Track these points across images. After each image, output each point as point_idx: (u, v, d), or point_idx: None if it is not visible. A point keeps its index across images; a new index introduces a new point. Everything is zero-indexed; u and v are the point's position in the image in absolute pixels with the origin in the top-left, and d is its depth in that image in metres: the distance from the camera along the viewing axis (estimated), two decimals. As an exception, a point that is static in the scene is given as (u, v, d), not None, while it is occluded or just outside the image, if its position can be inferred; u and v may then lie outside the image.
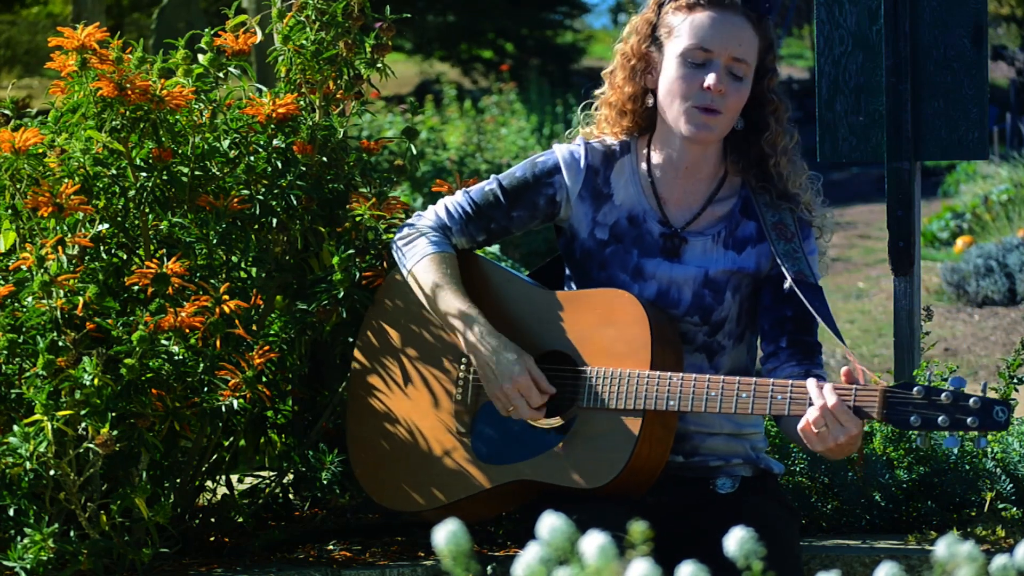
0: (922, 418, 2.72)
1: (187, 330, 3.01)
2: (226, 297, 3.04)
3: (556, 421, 3.00)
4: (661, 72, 3.05)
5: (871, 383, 2.79)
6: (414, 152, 3.54)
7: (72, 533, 2.98)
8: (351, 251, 3.24)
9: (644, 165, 3.12)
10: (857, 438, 2.78)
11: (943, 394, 2.71)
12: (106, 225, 3.19)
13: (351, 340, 3.30)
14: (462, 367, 3.12)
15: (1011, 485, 3.46)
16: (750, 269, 3.07)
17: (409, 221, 3.22)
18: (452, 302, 3.07)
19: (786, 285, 3.00)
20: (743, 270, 3.07)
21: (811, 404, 2.77)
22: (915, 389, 2.73)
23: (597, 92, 3.19)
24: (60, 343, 2.93)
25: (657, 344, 2.93)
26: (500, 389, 3.00)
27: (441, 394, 3.15)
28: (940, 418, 2.71)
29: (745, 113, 3.07)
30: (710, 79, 2.98)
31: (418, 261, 3.13)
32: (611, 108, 3.13)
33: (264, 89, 3.34)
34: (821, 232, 3.13)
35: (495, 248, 3.56)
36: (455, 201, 3.18)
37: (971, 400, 2.70)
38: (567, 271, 3.19)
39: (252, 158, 3.28)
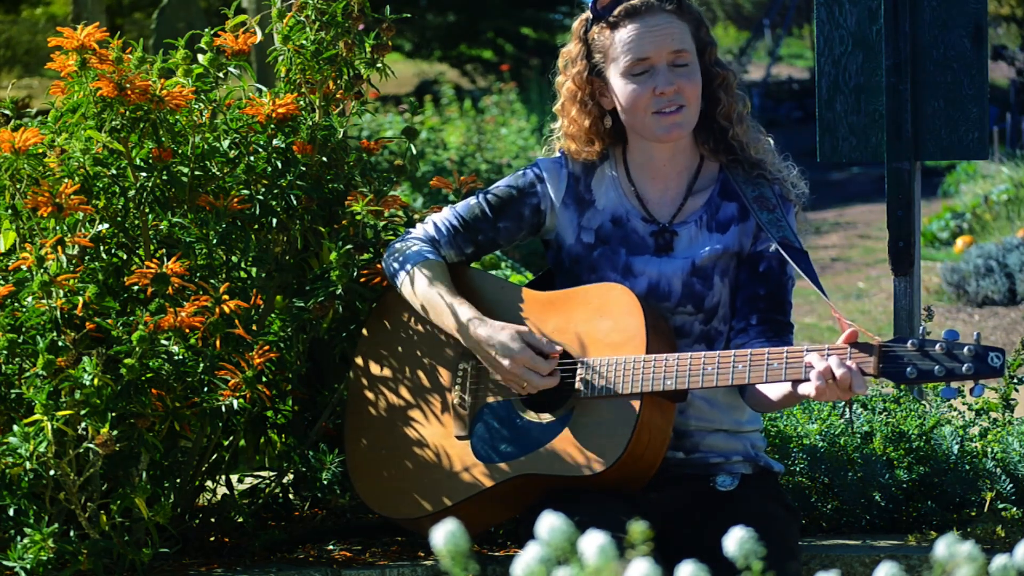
0: (918, 370, 2.74)
1: (187, 330, 3.01)
2: (226, 297, 3.04)
3: (547, 417, 3.01)
4: (613, 94, 3.10)
5: (866, 340, 2.80)
6: (414, 152, 3.55)
7: (72, 533, 2.98)
8: (349, 247, 3.24)
9: (623, 168, 3.16)
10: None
11: (937, 344, 2.73)
12: (106, 225, 3.20)
13: (350, 338, 3.30)
14: (459, 370, 3.13)
15: (1011, 485, 3.46)
16: (733, 248, 3.10)
17: (398, 238, 3.25)
18: (444, 304, 3.09)
19: (772, 248, 3.03)
20: (728, 250, 3.10)
21: (810, 368, 2.79)
22: (909, 343, 2.75)
23: (554, 126, 3.22)
24: (60, 343, 2.93)
25: (652, 331, 2.96)
26: (507, 372, 3.01)
27: (440, 398, 3.15)
28: (936, 368, 2.72)
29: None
30: (660, 84, 3.03)
31: (409, 270, 3.15)
32: (576, 140, 3.17)
33: (264, 89, 3.34)
34: (799, 207, 3.15)
35: (496, 251, 3.56)
36: (443, 217, 3.23)
37: (965, 348, 2.71)
38: (559, 283, 3.21)
39: (252, 158, 3.28)
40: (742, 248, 3.11)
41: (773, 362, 2.84)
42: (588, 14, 3.13)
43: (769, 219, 3.06)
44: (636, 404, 2.92)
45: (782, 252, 3.00)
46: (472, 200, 3.22)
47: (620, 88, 3.08)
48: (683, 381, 2.90)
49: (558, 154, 3.21)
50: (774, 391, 2.94)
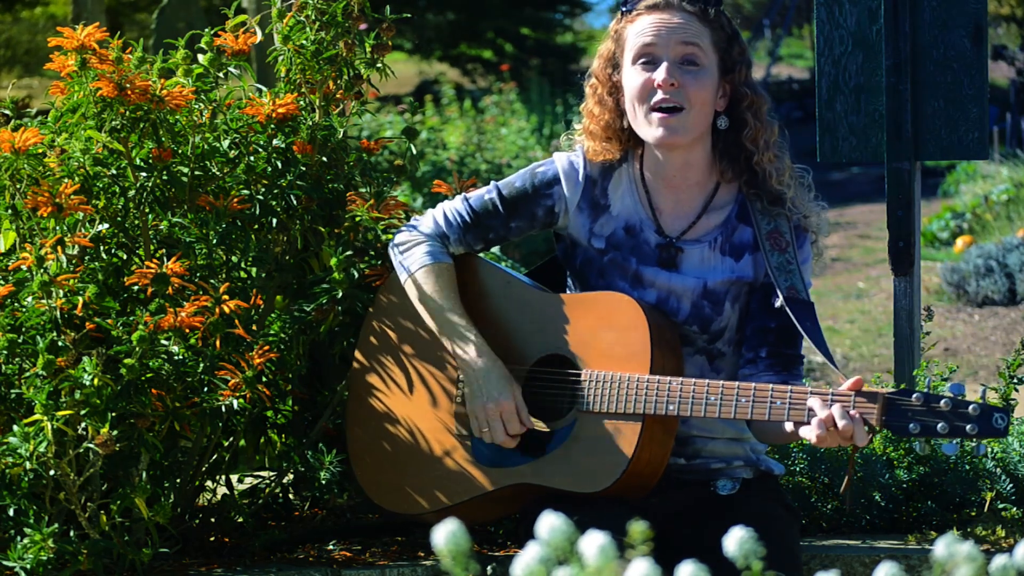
0: (921, 425, 2.72)
1: (187, 330, 3.01)
2: (226, 297, 3.04)
3: (542, 426, 3.01)
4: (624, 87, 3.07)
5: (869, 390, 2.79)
6: (414, 152, 3.54)
7: (72, 533, 2.98)
8: (350, 252, 3.24)
9: (639, 175, 3.12)
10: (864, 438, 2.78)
11: (942, 400, 2.71)
12: (106, 225, 3.20)
13: (350, 340, 3.30)
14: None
15: (1011, 485, 3.46)
16: (748, 278, 3.06)
17: (407, 225, 3.22)
18: (448, 316, 3.08)
19: (777, 303, 2.99)
20: (742, 279, 3.06)
21: (812, 414, 2.77)
22: (914, 396, 2.73)
23: (576, 126, 3.19)
24: (60, 343, 2.93)
25: (656, 348, 2.93)
26: (482, 408, 3.01)
27: (441, 396, 3.15)
28: (939, 425, 2.70)
29: (727, 113, 3.06)
30: (659, 74, 2.99)
31: (415, 271, 3.13)
32: (594, 137, 3.12)
33: (264, 89, 3.34)
34: (817, 236, 3.11)
35: (495, 248, 3.55)
36: (454, 208, 3.18)
37: (970, 407, 2.69)
38: (568, 276, 3.19)
39: (252, 158, 3.28)
40: (756, 278, 3.06)
41: (776, 401, 2.82)
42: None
43: (779, 262, 3.01)
44: (638, 425, 2.91)
45: (787, 310, 2.95)
46: (486, 194, 3.17)
47: (626, 78, 3.05)
48: (685, 408, 2.88)
49: (577, 151, 3.16)
50: (780, 427, 2.91)
